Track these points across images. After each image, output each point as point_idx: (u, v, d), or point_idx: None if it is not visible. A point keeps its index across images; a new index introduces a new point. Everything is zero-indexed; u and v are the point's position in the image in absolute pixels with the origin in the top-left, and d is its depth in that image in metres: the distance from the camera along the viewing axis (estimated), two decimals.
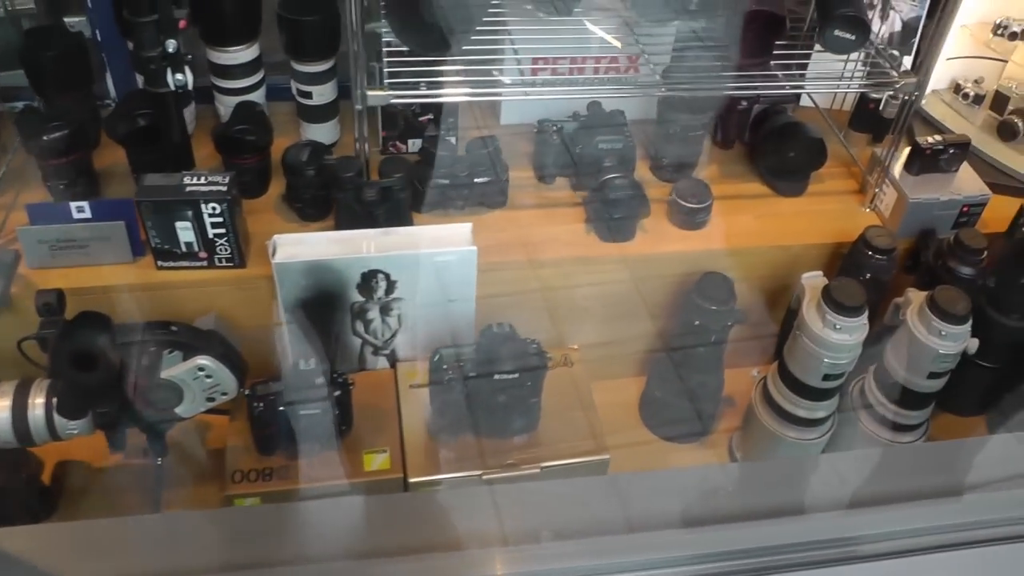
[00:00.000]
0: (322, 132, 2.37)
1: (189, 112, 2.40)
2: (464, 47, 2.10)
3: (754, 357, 2.32)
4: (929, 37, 2.15)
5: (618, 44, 2.25)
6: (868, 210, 2.35)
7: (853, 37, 2.09)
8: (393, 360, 2.19)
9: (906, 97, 2.20)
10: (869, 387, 2.16)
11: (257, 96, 2.37)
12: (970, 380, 2.24)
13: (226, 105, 2.33)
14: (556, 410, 2.05)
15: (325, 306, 2.07)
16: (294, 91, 2.33)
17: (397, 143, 2.37)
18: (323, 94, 2.31)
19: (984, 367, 2.27)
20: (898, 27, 2.48)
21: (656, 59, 2.21)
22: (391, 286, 2.05)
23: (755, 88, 2.17)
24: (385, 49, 2.13)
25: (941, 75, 2.67)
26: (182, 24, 1.99)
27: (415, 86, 2.05)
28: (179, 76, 2.01)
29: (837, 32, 2.08)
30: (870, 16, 2.41)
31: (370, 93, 1.98)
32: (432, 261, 2.01)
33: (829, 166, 2.40)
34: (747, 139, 2.43)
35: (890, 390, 2.12)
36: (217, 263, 2.05)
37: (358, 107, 2.00)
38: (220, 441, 2.00)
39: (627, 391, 2.34)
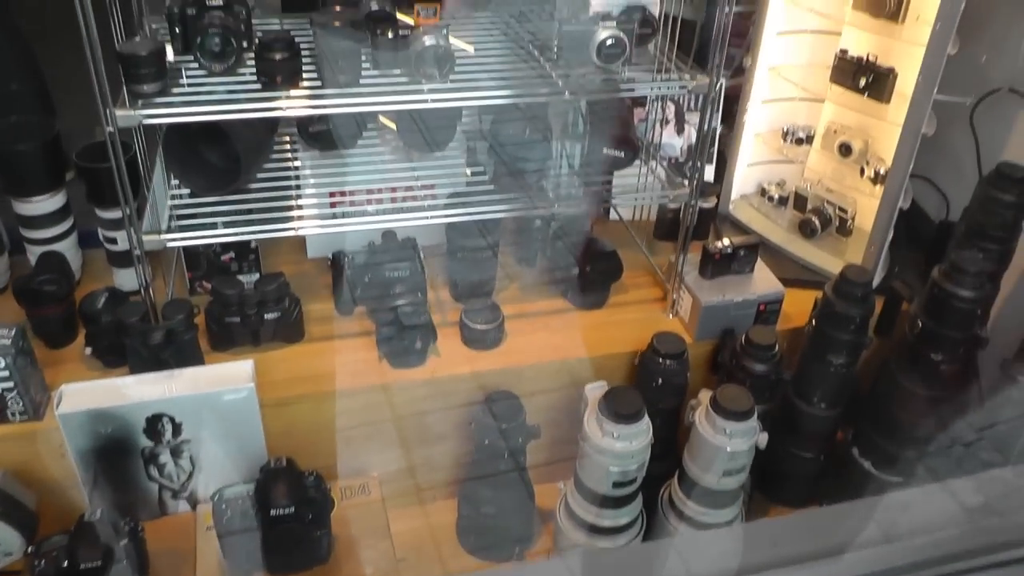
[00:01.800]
0: (131, 277, 2.38)
1: (2, 263, 2.41)
2: (252, 185, 2.16)
3: (565, 470, 2.31)
4: (698, 150, 2.23)
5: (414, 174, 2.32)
6: (671, 316, 2.40)
7: (623, 155, 2.17)
8: (194, 502, 2.16)
9: (691, 204, 2.27)
10: (675, 490, 2.16)
11: (67, 244, 2.39)
12: (793, 471, 2.26)
13: (35, 255, 2.35)
14: (351, 540, 2.02)
15: (116, 453, 2.06)
16: (100, 237, 2.36)
17: (203, 282, 2.39)
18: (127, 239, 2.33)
19: (804, 457, 2.30)
20: (694, 139, 2.58)
21: (447, 185, 2.29)
22: (177, 428, 2.04)
23: (526, 209, 2.23)
24: (171, 192, 2.19)
25: (748, 180, 2.77)
26: None
27: (211, 226, 2.10)
28: None
29: (606, 150, 2.17)
30: (662, 131, 2.53)
31: (146, 238, 2.01)
32: (213, 401, 2.01)
33: (634, 276, 2.46)
34: (548, 255, 2.48)
35: (694, 491, 2.12)
36: (10, 417, 2.03)
37: (136, 252, 2.03)
38: None
39: (441, 515, 2.31)
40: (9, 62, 2.57)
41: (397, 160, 2.35)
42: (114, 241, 2.35)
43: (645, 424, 1.97)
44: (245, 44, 2.00)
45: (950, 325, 2.05)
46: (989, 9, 2.24)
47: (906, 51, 2.29)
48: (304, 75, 1.96)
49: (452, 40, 1.99)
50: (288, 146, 2.38)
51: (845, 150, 2.51)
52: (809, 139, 2.63)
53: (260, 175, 2.23)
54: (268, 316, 2.16)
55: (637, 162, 2.34)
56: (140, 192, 2.27)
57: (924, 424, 2.17)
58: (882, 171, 2.41)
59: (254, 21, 2.13)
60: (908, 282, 2.32)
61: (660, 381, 2.16)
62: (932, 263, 2.14)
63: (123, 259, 2.37)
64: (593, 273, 2.35)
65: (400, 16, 2.05)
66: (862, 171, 2.49)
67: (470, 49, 2.22)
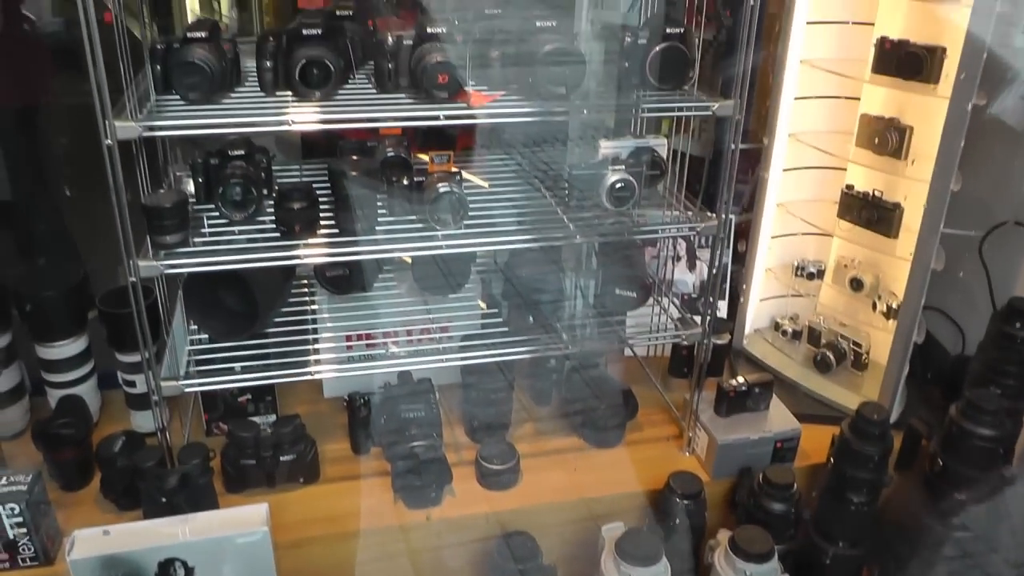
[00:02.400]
0: (148, 418, 2.40)
1: (21, 407, 2.43)
2: (269, 329, 2.19)
3: None
4: (710, 287, 2.26)
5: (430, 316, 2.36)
6: (687, 454, 2.38)
7: (634, 295, 2.20)
8: None
9: (705, 343, 2.28)
10: None
11: (87, 387, 2.42)
12: None
13: (54, 398, 2.38)
14: None
15: None
16: (119, 379, 2.39)
17: (220, 423, 2.40)
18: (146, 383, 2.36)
19: None
20: (706, 275, 2.61)
21: (462, 327, 2.32)
22: (189, 572, 2.01)
23: (540, 351, 2.25)
24: (190, 338, 2.22)
25: (761, 314, 2.79)
26: None
27: (229, 371, 2.12)
28: None
29: (618, 291, 2.19)
30: (674, 267, 2.57)
31: (164, 384, 2.03)
32: (226, 544, 1.99)
33: (649, 413, 2.45)
34: (563, 392, 2.49)
35: None
36: (20, 563, 2.02)
37: (154, 398, 2.05)
38: None
39: None
40: (40, 208, 2.66)
41: (413, 301, 2.38)
42: (133, 384, 2.37)
43: (663, 566, 1.94)
44: (265, 192, 2.08)
45: (971, 464, 2.02)
46: (987, 146, 2.29)
47: (911, 187, 2.34)
48: (322, 221, 2.02)
49: (466, 175, 2.05)
50: (305, 289, 2.42)
51: (856, 284, 2.53)
52: (820, 273, 2.65)
53: (277, 319, 2.27)
54: (284, 458, 2.17)
55: (650, 299, 2.36)
56: (160, 336, 2.30)
57: (951, 564, 2.12)
58: (894, 305, 2.42)
59: (274, 167, 2.22)
60: (926, 418, 2.30)
61: (677, 521, 2.12)
62: (950, 397, 2.13)
63: (141, 401, 2.39)
64: (608, 411, 2.35)
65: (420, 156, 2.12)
66: (874, 305, 2.50)
67: (484, 184, 2.29)
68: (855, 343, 2.56)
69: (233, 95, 1.95)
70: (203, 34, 1.86)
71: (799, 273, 2.67)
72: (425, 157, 2.11)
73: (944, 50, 2.22)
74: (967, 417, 2.00)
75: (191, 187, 2.09)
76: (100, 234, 2.55)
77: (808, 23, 2.44)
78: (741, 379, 2.33)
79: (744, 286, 2.72)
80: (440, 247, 2.00)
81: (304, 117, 1.83)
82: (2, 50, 2.46)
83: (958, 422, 2.01)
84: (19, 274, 2.49)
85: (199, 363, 2.15)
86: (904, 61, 2.26)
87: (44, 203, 2.69)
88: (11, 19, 2.45)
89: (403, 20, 2.43)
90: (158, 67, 1.89)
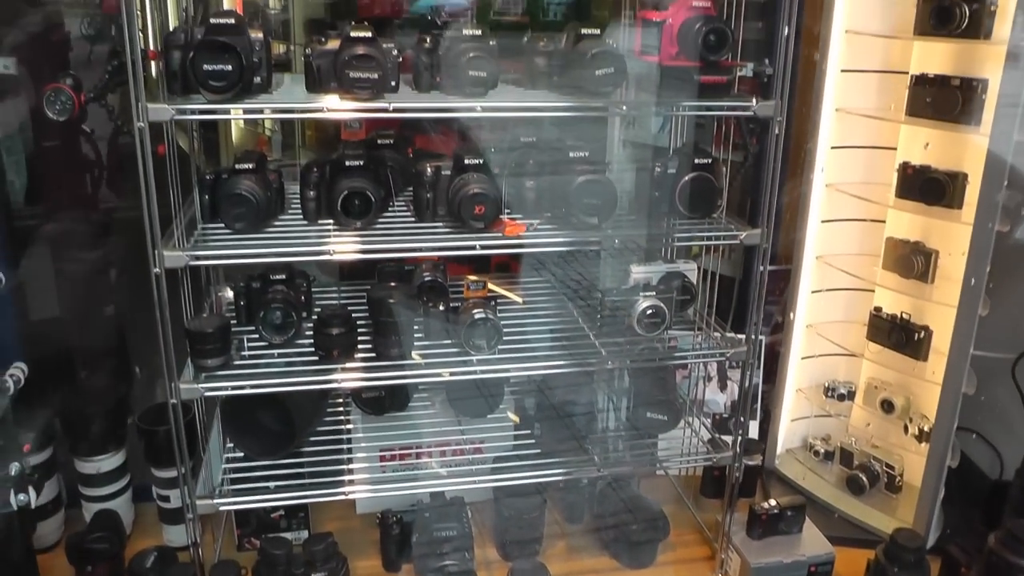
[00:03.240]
0: (181, 533, 2.41)
1: (56, 520, 2.46)
2: (304, 448, 2.22)
3: None
4: (742, 406, 2.26)
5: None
6: None
7: (665, 418, 2.22)
8: None
9: (736, 466, 2.28)
10: None
11: (121, 501, 2.45)
12: None
13: (90, 511, 2.40)
14: None
15: None
16: (154, 494, 2.41)
17: (252, 539, 2.41)
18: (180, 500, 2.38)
19: None
20: (737, 395, 2.62)
21: (495, 448, 2.34)
22: None
23: (571, 473, 2.26)
24: (226, 455, 2.26)
25: (792, 434, 2.78)
26: (26, 447, 2.11)
27: (263, 490, 2.15)
28: (22, 496, 2.09)
29: (649, 414, 2.21)
30: (706, 387, 2.59)
31: (199, 502, 2.06)
32: None
33: (681, 533, 2.44)
34: (595, 512, 2.48)
35: None
36: None
37: (189, 515, 2.07)
38: None
39: None
40: (85, 323, 2.73)
41: (447, 421, 2.41)
42: (167, 499, 2.40)
43: None
44: (305, 315, 2.13)
45: None
46: (1015, 269, 2.31)
47: (939, 310, 2.35)
48: (359, 345, 2.07)
49: (499, 289, 2.10)
50: (341, 408, 2.45)
51: (887, 407, 2.53)
52: (851, 394, 2.66)
53: (312, 437, 2.30)
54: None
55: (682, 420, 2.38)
56: (196, 452, 2.34)
57: None
58: (926, 428, 2.41)
59: (314, 290, 2.29)
60: (964, 545, 2.27)
61: None
62: (989, 523, 2.11)
63: (175, 516, 2.41)
64: (640, 532, 2.34)
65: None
66: (906, 428, 2.50)
67: (518, 299, 2.34)
68: (888, 465, 2.55)
69: (276, 222, 2.02)
70: (250, 165, 1.95)
71: (830, 394, 2.67)
72: (470, 278, 2.15)
73: (966, 176, 2.27)
74: (1008, 548, 1.97)
75: (229, 293, 2.14)
76: (140, 349, 2.62)
77: (832, 148, 2.51)
78: (773, 502, 2.31)
79: (774, 406, 2.73)
80: (475, 372, 2.03)
81: (345, 247, 1.90)
82: (58, 163, 2.54)
83: (998, 552, 1.98)
84: (63, 389, 2.54)
85: (234, 480, 2.17)
86: (927, 186, 2.31)
87: (89, 319, 2.75)
88: (71, 134, 2.53)
89: (443, 137, 2.54)
90: (206, 196, 1.97)
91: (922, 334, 2.39)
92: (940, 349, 2.34)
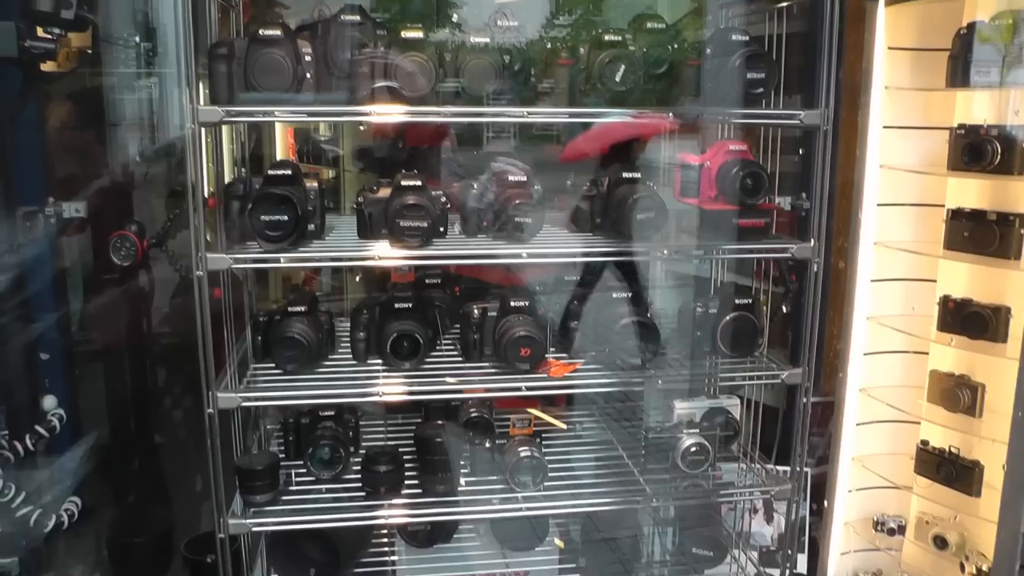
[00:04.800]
0: None
1: None
2: None
3: None
4: (789, 541, 2.24)
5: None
6: None
7: (711, 554, 2.20)
8: None
9: None
10: None
11: None
12: None
13: None
14: None
15: None
16: None
17: None
18: None
19: None
20: (783, 527, 2.59)
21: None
22: None
23: None
24: None
25: (842, 569, 2.72)
26: None
27: None
28: None
29: (695, 550, 2.19)
30: (751, 519, 2.56)
31: None
32: None
33: None
34: None
35: None
36: None
37: None
38: None
39: None
40: (134, 452, 2.79)
41: (492, 552, 2.40)
42: None
43: None
44: (352, 450, 2.17)
45: None
46: None
47: (989, 444, 2.32)
48: (406, 481, 2.09)
49: (543, 415, 2.12)
50: (385, 539, 2.46)
51: (941, 543, 2.47)
52: (901, 529, 2.60)
53: (358, 569, 2.30)
54: None
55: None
56: None
57: None
58: (984, 568, 2.35)
59: (361, 424, 2.32)
60: None
61: None
62: None
63: None
64: None
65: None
66: (962, 566, 2.43)
67: (562, 426, 2.36)
68: None
69: (327, 362, 2.08)
70: (302, 308, 2.02)
71: (879, 528, 2.62)
72: (516, 416, 2.18)
73: (1009, 310, 2.27)
74: None
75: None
76: (186, 478, 2.67)
77: (872, 280, 2.53)
78: None
79: (823, 539, 2.68)
80: (520, 509, 2.04)
81: (393, 388, 1.94)
82: (118, 297, 2.64)
83: None
84: (111, 517, 2.59)
85: None
86: (969, 320, 2.31)
87: (138, 448, 2.82)
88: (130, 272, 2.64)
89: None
90: (259, 337, 2.04)
91: (973, 469, 2.36)
92: (993, 484, 2.30)
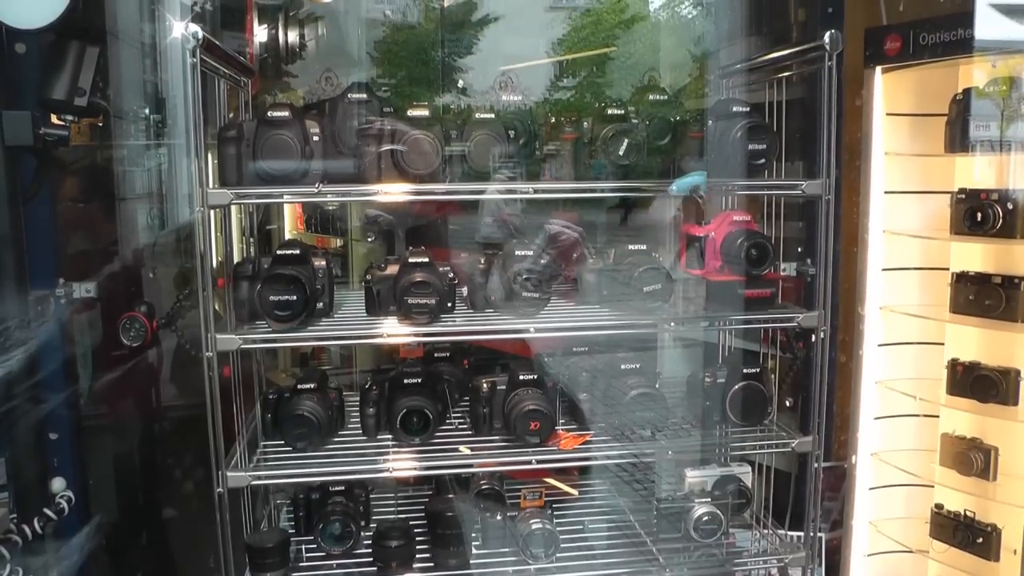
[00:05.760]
0: None
1: None
2: None
3: None
4: None
5: None
6: None
7: None
8: None
9: None
10: None
11: None
12: None
13: None
14: None
15: None
16: None
17: None
18: None
19: None
20: None
21: None
22: None
23: None
24: None
25: None
26: None
27: None
28: None
29: None
30: None
31: None
32: None
33: None
34: None
35: None
36: None
37: None
38: None
39: None
40: (142, 527, 2.77)
41: None
42: None
43: None
44: (363, 524, 2.16)
45: None
46: None
47: (1005, 508, 2.30)
48: (417, 555, 2.08)
49: (555, 483, 2.10)
50: None
51: None
52: None
53: None
54: None
55: None
56: None
57: None
58: None
59: (372, 497, 2.31)
60: None
61: None
62: None
63: None
64: None
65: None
66: None
67: (573, 492, 2.34)
68: None
69: (336, 438, 2.08)
70: (312, 385, 2.02)
71: None
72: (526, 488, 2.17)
73: (1018, 372, 2.27)
74: None
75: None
76: (196, 555, 2.65)
77: (879, 345, 2.53)
78: None
79: None
80: None
81: (403, 464, 1.94)
82: (126, 371, 2.64)
83: None
84: None
85: None
86: (978, 384, 2.31)
87: (147, 523, 2.80)
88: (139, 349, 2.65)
89: None
90: (269, 415, 2.04)
91: (990, 533, 2.33)
92: (1012, 547, 2.27)
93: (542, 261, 2.01)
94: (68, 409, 2.30)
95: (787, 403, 2.54)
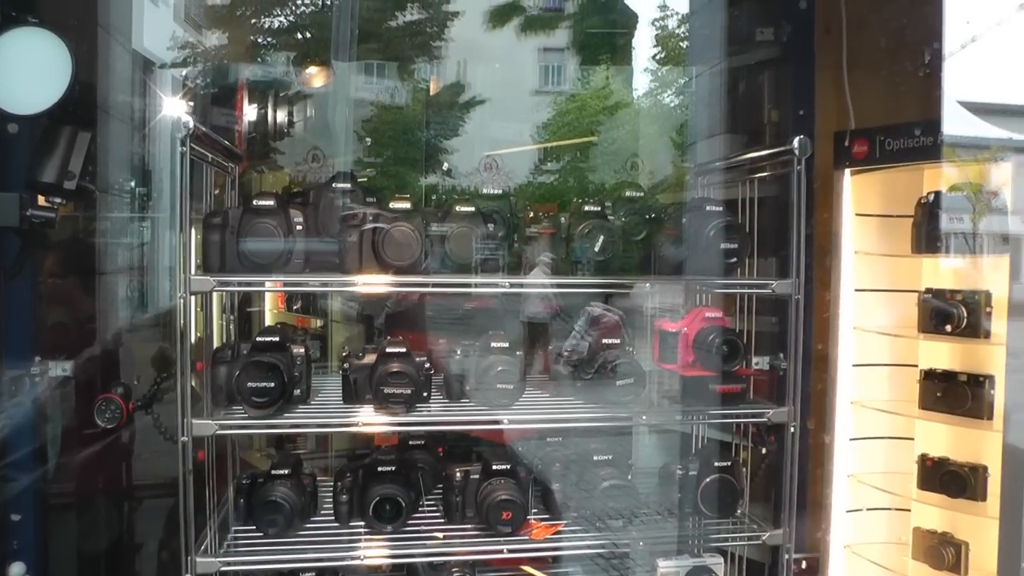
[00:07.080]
0: None
1: None
2: None
3: None
4: None
5: None
6: None
7: None
8: None
9: None
10: None
11: None
12: None
13: None
14: None
15: None
16: None
17: None
18: None
19: None
20: None
21: None
22: None
23: None
24: None
25: None
26: None
27: None
28: None
29: None
30: None
31: None
32: None
33: None
34: None
35: None
36: None
37: None
38: None
39: None
40: None
41: None
42: None
43: None
44: None
45: None
46: None
47: None
48: None
49: (530, 571, 2.11)
50: None
51: None
52: None
53: None
54: None
55: None
56: None
57: None
58: None
59: None
60: None
61: None
62: None
63: None
64: None
65: None
66: None
67: None
68: None
69: (308, 524, 2.07)
70: (286, 471, 2.02)
71: None
72: None
73: (986, 468, 2.30)
74: None
75: None
76: None
77: (851, 439, 2.56)
78: None
79: None
80: None
81: (375, 552, 1.95)
82: (96, 452, 2.61)
83: None
84: None
85: None
86: (948, 480, 2.34)
87: None
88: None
89: None
90: (242, 500, 2.04)
91: None
92: None
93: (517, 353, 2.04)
94: (33, 490, 2.26)
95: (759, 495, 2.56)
